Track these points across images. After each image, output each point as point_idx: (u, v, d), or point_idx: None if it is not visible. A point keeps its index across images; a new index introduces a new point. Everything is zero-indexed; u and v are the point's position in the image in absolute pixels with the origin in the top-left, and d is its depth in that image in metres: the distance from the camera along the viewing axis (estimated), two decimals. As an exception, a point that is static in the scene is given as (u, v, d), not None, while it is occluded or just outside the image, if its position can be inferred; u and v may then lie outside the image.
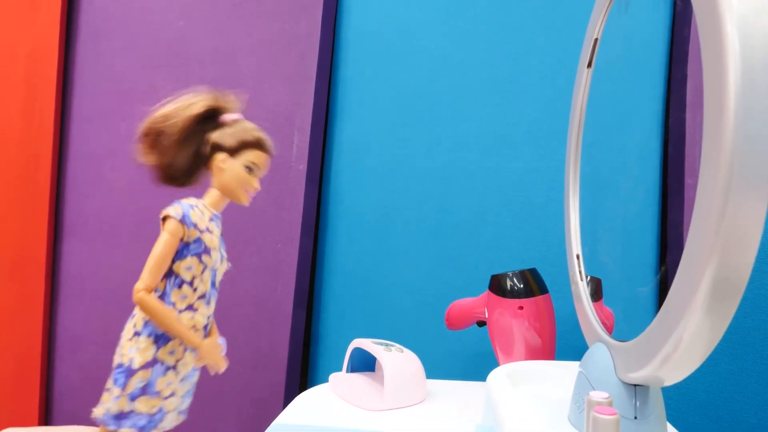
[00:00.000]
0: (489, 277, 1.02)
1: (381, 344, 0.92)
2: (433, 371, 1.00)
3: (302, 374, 1.43)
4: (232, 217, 1.37)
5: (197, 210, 1.05)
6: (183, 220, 1.01)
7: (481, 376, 0.88)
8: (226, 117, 1.09)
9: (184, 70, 1.58)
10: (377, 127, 1.41)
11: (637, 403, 0.55)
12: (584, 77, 0.82)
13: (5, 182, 1.74)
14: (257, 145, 1.07)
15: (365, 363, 1.00)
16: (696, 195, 0.43)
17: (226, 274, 1.13)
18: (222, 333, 1.24)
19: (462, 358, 1.29)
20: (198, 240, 1.03)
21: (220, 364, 1.07)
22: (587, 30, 0.81)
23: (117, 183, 1.64)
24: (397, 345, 0.94)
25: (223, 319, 1.35)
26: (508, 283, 0.98)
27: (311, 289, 1.44)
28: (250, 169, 1.07)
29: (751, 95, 0.39)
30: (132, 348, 1.02)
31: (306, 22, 1.45)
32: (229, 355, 1.22)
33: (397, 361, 0.89)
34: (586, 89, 0.82)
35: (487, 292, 1.02)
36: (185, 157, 1.07)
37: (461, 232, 1.31)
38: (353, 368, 0.99)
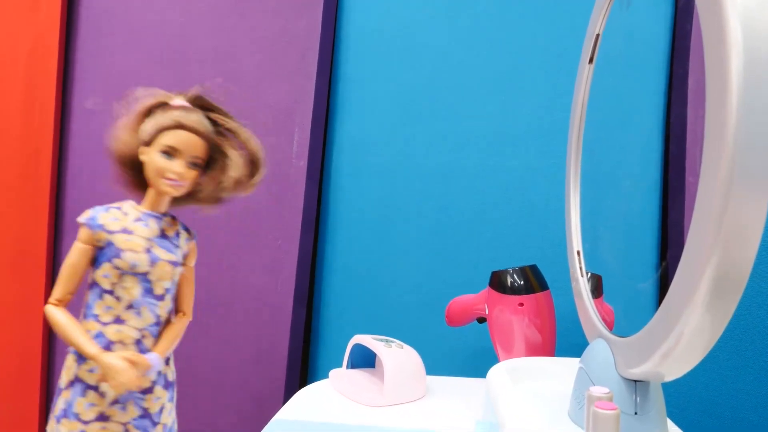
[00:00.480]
0: (489, 274, 1.02)
1: (381, 340, 0.92)
2: (433, 367, 1.00)
3: (302, 370, 1.43)
4: (231, 214, 1.37)
5: (114, 211, 0.95)
6: (87, 223, 0.92)
7: (481, 372, 0.88)
8: (171, 103, 0.95)
9: (185, 67, 1.58)
10: (378, 124, 1.40)
11: (638, 398, 0.55)
12: (585, 73, 0.81)
13: (5, 179, 1.73)
14: (175, 125, 0.91)
15: (365, 359, 1.00)
16: (697, 191, 0.43)
17: (226, 270, 1.09)
18: (222, 330, 1.22)
19: (462, 354, 1.29)
20: (109, 243, 0.92)
21: (123, 383, 0.86)
22: (589, 26, 0.81)
23: (117, 180, 1.64)
24: (397, 341, 0.94)
25: (223, 316, 1.35)
26: (509, 279, 0.97)
27: (311, 285, 1.44)
28: (167, 153, 0.91)
29: (754, 91, 0.39)
30: (64, 367, 0.95)
31: (307, 20, 1.44)
32: (230, 351, 1.22)
33: (397, 357, 0.89)
34: (588, 86, 0.82)
35: (487, 288, 1.02)
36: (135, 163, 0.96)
37: (462, 229, 1.31)
38: (353, 364, 0.99)
